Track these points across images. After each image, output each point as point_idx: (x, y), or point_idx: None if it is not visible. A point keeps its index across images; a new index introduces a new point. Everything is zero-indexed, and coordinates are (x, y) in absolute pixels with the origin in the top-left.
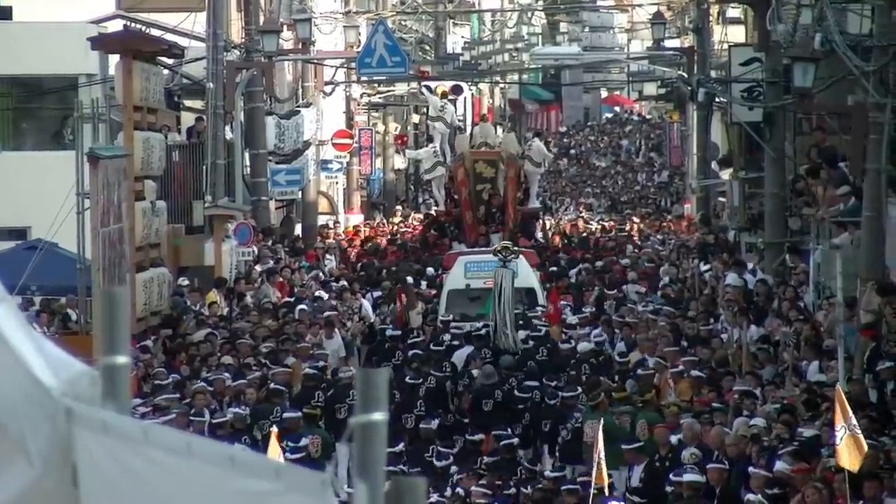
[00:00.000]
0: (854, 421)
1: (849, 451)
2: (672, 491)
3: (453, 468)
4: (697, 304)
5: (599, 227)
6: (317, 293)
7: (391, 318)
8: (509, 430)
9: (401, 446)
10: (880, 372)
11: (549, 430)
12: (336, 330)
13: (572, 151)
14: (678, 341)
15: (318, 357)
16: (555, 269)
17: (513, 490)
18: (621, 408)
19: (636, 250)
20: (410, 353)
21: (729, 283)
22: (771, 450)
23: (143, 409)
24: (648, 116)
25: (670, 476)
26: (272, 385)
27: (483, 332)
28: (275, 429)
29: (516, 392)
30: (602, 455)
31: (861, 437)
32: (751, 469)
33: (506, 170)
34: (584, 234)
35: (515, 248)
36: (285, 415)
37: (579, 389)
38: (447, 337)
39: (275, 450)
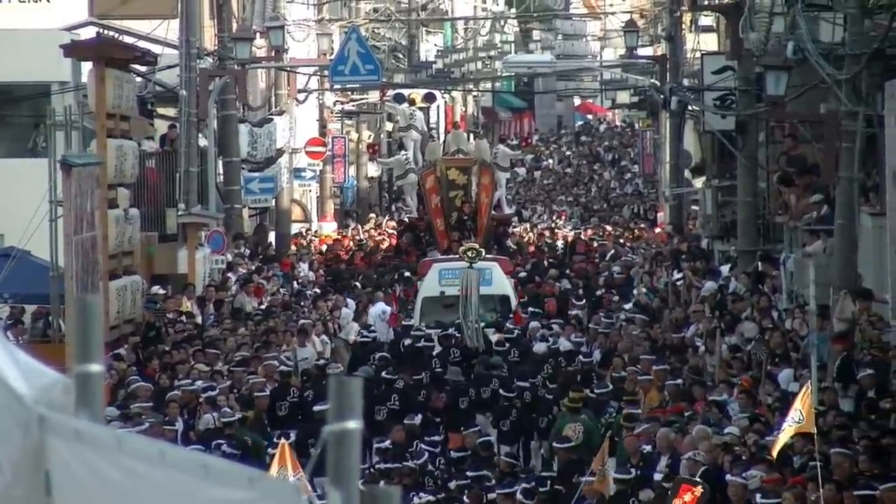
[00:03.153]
0: (793, 415)
1: (780, 440)
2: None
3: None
4: (670, 313)
5: (573, 234)
6: (287, 300)
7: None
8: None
9: (387, 443)
10: (860, 381)
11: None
12: (310, 338)
13: (545, 162)
14: (653, 350)
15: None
16: (524, 274)
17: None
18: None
19: (608, 259)
20: (377, 355)
21: (706, 291)
22: (745, 460)
23: (115, 419)
24: (625, 123)
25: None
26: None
27: (451, 331)
28: (283, 440)
29: (502, 391)
30: (607, 460)
31: (788, 426)
32: (728, 477)
33: (479, 176)
34: (553, 242)
35: (481, 249)
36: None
37: (610, 386)
38: (408, 341)
39: (292, 463)
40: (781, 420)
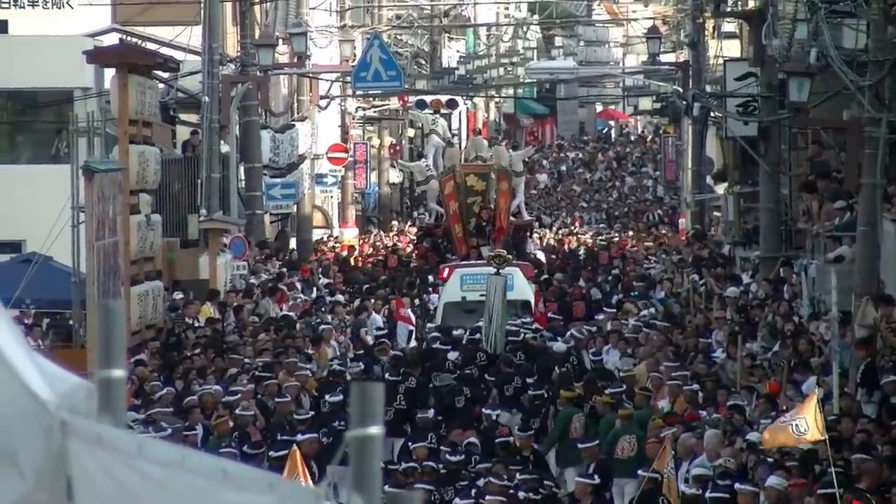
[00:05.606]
0: (797, 421)
1: (774, 434)
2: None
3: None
4: (692, 319)
5: (596, 241)
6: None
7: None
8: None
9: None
10: (884, 386)
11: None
12: (328, 343)
13: (562, 167)
14: (675, 355)
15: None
16: (546, 277)
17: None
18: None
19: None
20: (392, 354)
21: (728, 296)
22: (772, 462)
23: (138, 424)
24: (652, 127)
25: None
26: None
27: (476, 336)
28: (295, 447)
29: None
30: (672, 469)
31: (790, 432)
32: (737, 486)
33: (497, 182)
34: (574, 248)
35: (508, 256)
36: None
37: (624, 386)
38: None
39: (298, 470)
40: (778, 416)
